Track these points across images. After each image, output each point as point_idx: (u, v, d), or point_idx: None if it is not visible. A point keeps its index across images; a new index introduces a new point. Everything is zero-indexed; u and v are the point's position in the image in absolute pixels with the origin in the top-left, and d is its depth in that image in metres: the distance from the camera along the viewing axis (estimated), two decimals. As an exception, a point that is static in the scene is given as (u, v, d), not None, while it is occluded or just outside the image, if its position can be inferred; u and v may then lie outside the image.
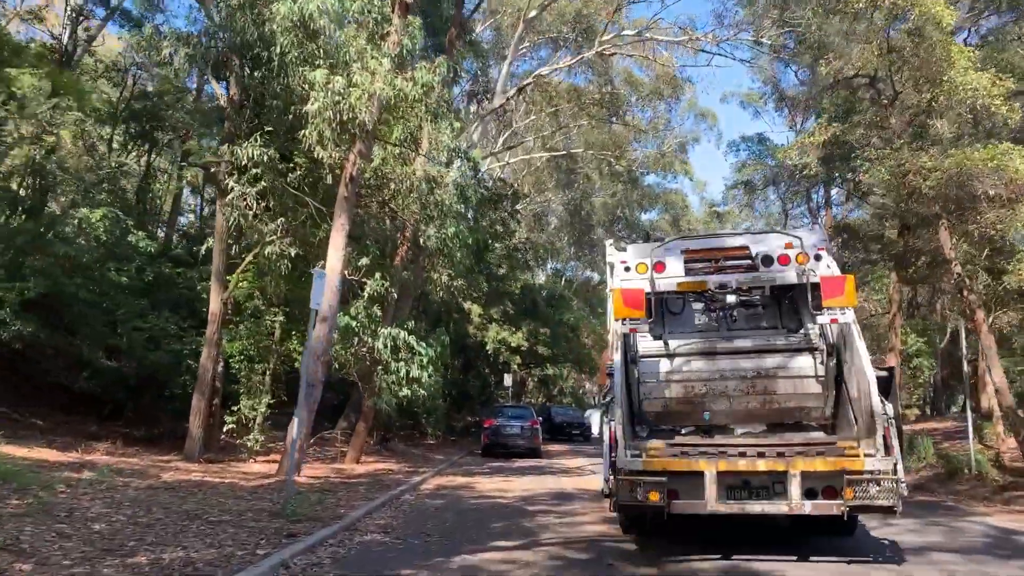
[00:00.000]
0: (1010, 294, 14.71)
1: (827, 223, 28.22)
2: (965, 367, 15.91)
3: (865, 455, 7.33)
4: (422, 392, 16.69)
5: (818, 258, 8.91)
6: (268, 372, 18.98)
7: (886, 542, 9.19)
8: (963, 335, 15.24)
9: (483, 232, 25.50)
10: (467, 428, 31.65)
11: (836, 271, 8.83)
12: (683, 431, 9.16)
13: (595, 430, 44.21)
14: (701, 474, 7.45)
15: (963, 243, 14.95)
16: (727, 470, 7.47)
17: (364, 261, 15.09)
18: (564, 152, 39.11)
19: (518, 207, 33.95)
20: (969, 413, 15.42)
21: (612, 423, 7.95)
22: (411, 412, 28.42)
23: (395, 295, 21.69)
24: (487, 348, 30.60)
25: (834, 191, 27.85)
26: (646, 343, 9.27)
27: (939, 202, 13.92)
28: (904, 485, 7.30)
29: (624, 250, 9.92)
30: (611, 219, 50.95)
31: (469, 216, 26.86)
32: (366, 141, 14.47)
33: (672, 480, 7.47)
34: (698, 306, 9.99)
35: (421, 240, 16.27)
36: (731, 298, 9.43)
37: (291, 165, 14.92)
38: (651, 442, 8.08)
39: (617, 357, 8.52)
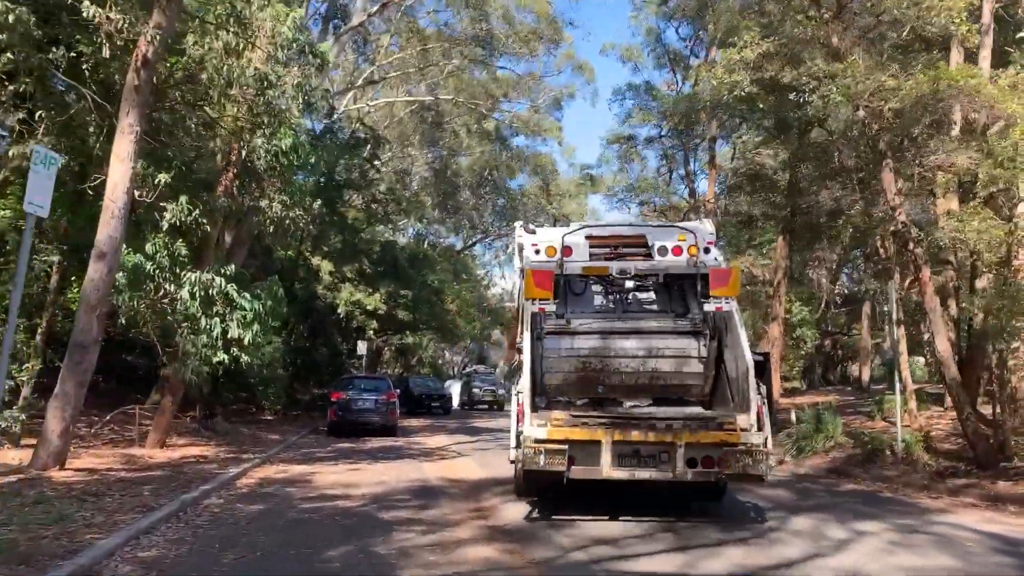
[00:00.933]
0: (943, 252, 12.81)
1: (712, 179, 26.40)
2: (896, 333, 14.13)
3: (741, 430, 8.14)
4: (245, 358, 12.92)
5: (707, 251, 9.76)
6: (41, 330, 14.49)
7: (750, 505, 10.10)
8: (892, 295, 13.29)
9: (334, 154, 21.55)
10: (314, 402, 27.77)
11: (723, 263, 9.76)
12: (578, 403, 9.80)
13: (456, 402, 41.37)
14: (598, 443, 8.15)
15: (907, 186, 13.01)
16: (621, 440, 8.18)
17: (164, 178, 11.03)
18: (432, 98, 35.41)
19: (379, 154, 30.12)
20: (898, 386, 13.54)
21: (520, 395, 8.54)
22: (245, 384, 24.32)
23: (227, 240, 17.60)
24: (339, 311, 26.75)
25: (725, 146, 26.05)
26: (550, 321, 9.76)
27: (884, 136, 11.81)
28: (773, 457, 8.62)
29: (534, 233, 10.54)
30: (479, 181, 47.88)
31: (313, 130, 22.95)
32: (168, 10, 10.44)
33: (572, 448, 8.14)
34: (597, 289, 10.72)
35: (244, 152, 12.36)
36: (629, 283, 10.34)
37: (57, 36, 10.63)
38: (555, 413, 8.67)
39: (527, 334, 9.03)
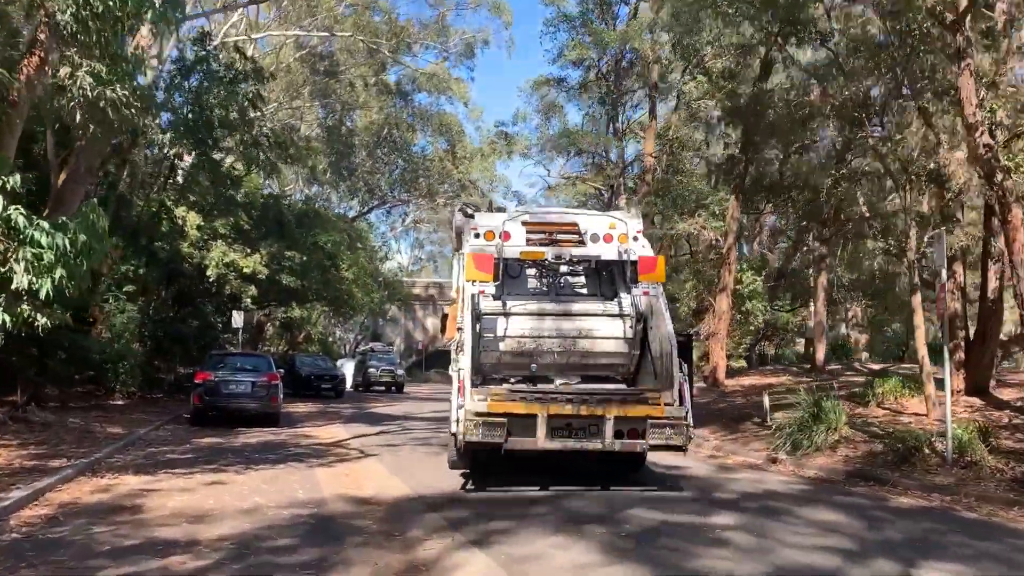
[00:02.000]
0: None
1: (652, 131, 23.32)
2: (954, 302, 11.33)
3: (665, 404, 8.85)
4: (43, 320, 8.56)
5: (636, 239, 10.20)
6: None
7: (669, 474, 10.74)
8: (941, 251, 10.26)
9: (203, 84, 16.92)
10: (179, 383, 23.00)
11: (650, 252, 10.34)
12: (512, 380, 10.23)
13: (349, 383, 37.03)
14: (535, 416, 8.61)
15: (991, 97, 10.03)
16: (556, 413, 8.71)
17: None
18: (326, 34, 30.70)
19: (263, 94, 25.31)
20: (948, 365, 10.61)
21: (461, 372, 8.95)
22: (87, 360, 19.41)
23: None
24: (208, 275, 22.02)
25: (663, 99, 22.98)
26: (487, 302, 10.26)
27: (965, 27, 8.84)
28: (691, 429, 9.01)
29: (472, 216, 10.76)
30: (376, 141, 43.21)
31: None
32: None
33: (510, 421, 8.58)
34: (531, 272, 11.22)
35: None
36: (563, 268, 11.00)
37: None
38: (494, 388, 9.26)
39: (467, 315, 9.40)
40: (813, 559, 6.13)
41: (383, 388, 37.39)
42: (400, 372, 37.84)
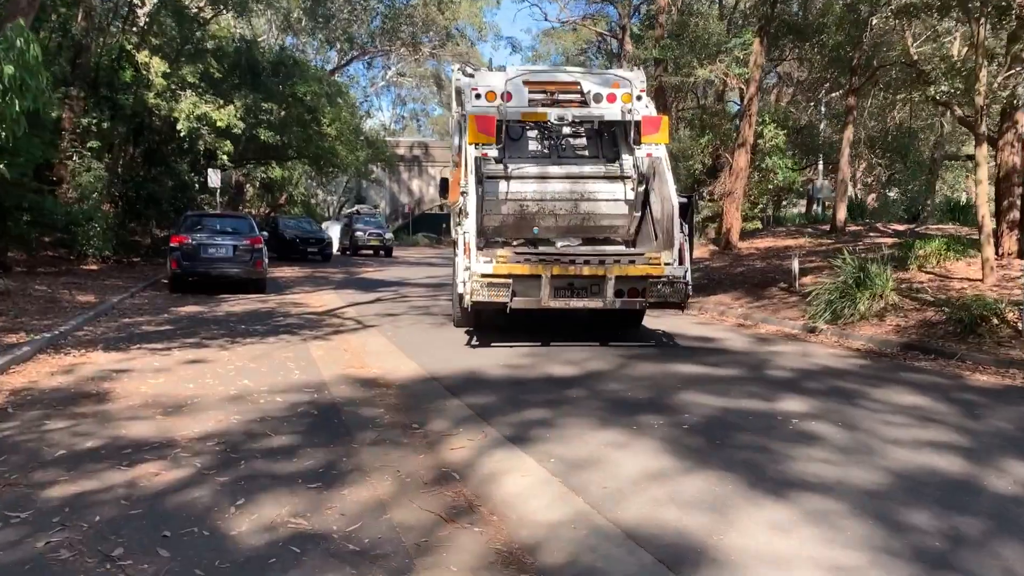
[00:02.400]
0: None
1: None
2: (1014, 155, 9.94)
3: (664, 264, 8.92)
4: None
5: (639, 99, 9.95)
6: None
7: (660, 331, 11.03)
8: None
9: None
10: (156, 247, 21.55)
11: (653, 111, 10.10)
12: (515, 243, 10.37)
13: (336, 246, 35.70)
14: (539, 277, 8.80)
15: None
16: (559, 274, 8.88)
17: None
18: None
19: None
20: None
21: (466, 235, 8.90)
22: (53, 222, 17.86)
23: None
24: (180, 130, 20.02)
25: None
26: (489, 166, 10.06)
27: None
28: (690, 287, 9.05)
29: (472, 76, 10.75)
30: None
31: None
32: None
33: (515, 282, 8.77)
34: (532, 134, 10.94)
35: None
36: (566, 129, 10.71)
37: None
38: (499, 251, 9.23)
39: (471, 178, 9.32)
40: (930, 461, 5.04)
41: (371, 252, 36.14)
42: (388, 235, 36.45)
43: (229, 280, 16.08)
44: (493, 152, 9.70)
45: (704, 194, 21.04)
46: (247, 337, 10.20)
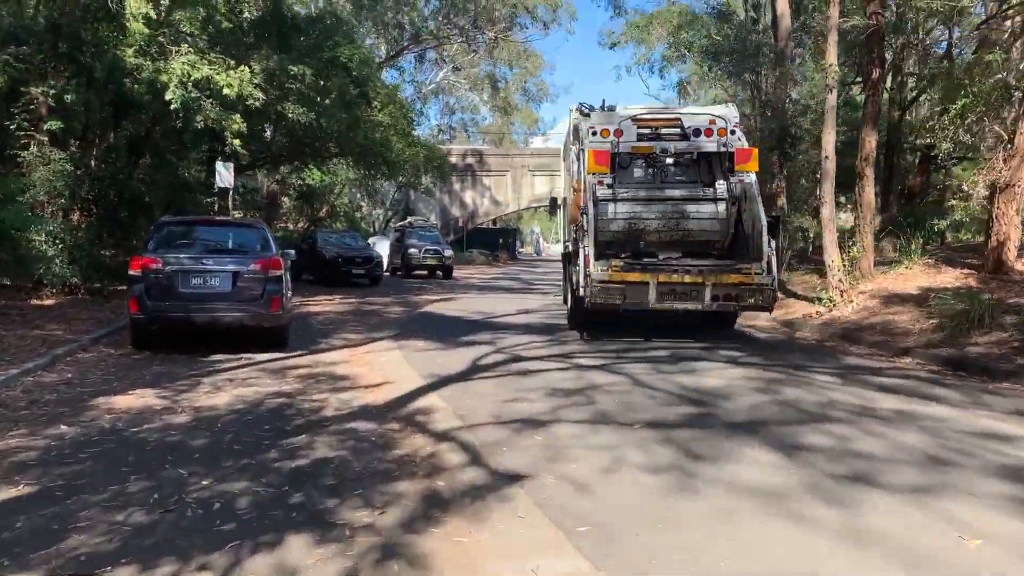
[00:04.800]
0: None
1: None
2: None
3: (755, 273, 10.34)
4: None
5: (733, 132, 11.74)
6: None
7: (745, 331, 12.57)
8: None
9: None
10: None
11: (745, 144, 11.93)
12: (623, 255, 11.59)
13: (386, 265, 29.33)
14: (647, 283, 10.34)
15: None
16: (664, 281, 10.36)
17: None
18: None
19: None
20: None
21: (585, 248, 10.56)
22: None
23: None
24: (171, 100, 13.60)
25: None
26: (602, 190, 11.81)
27: None
28: (776, 292, 10.68)
29: (588, 116, 12.30)
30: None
31: None
32: None
33: (627, 287, 10.38)
34: (639, 162, 12.44)
35: None
36: (668, 159, 12.23)
37: None
38: (613, 261, 10.78)
39: (590, 202, 11.04)
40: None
41: (426, 272, 29.71)
42: (448, 253, 30.01)
43: (224, 324, 9.56)
44: (607, 179, 11.77)
45: (955, 187, 14.34)
46: (229, 518, 3.59)
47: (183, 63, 13.53)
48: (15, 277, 14.49)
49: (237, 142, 14.38)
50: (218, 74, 13.76)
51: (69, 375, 8.13)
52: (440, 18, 36.04)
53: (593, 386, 7.70)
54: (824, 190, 13.15)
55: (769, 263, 10.30)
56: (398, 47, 37.33)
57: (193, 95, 13.50)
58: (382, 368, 8.94)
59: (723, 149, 11.66)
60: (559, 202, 17.21)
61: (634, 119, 11.96)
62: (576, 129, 12.60)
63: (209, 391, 7.33)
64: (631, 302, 10.44)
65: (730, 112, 12.20)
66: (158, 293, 9.36)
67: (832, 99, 12.96)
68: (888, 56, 16.81)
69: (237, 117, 13.78)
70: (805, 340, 11.88)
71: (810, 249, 19.44)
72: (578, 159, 12.12)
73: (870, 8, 13.93)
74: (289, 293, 10.83)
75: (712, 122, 11.77)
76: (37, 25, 14.90)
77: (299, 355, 9.76)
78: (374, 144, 19.39)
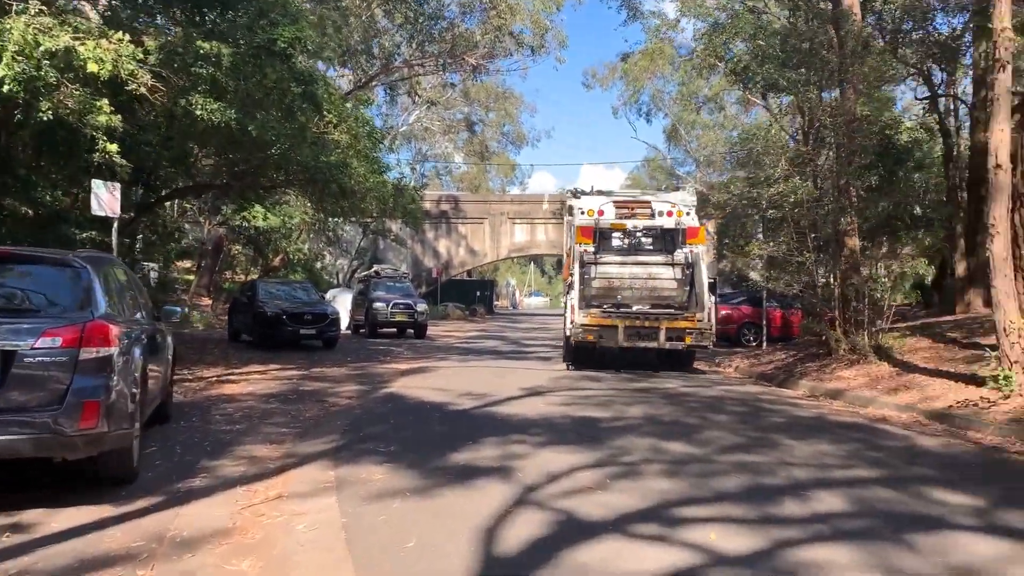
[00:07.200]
0: None
1: None
2: None
3: (698, 319, 13.91)
4: None
5: (688, 214, 14.94)
6: None
7: (703, 370, 15.66)
8: None
9: None
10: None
11: (696, 223, 15.10)
12: (603, 306, 14.92)
13: (345, 323, 24.38)
14: (616, 326, 13.79)
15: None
16: (629, 325, 13.85)
17: None
18: None
19: None
20: None
21: (571, 301, 14.40)
22: None
23: None
24: (7, 90, 8.93)
25: None
26: (587, 256, 15.08)
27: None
28: (713, 335, 14.64)
29: (579, 198, 15.44)
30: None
31: None
32: None
33: (601, 329, 13.86)
34: (616, 235, 15.75)
35: None
36: (640, 233, 15.75)
37: None
38: (592, 310, 14.35)
39: (576, 266, 14.67)
40: None
41: (394, 330, 24.92)
42: (422, 307, 25.22)
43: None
44: (591, 248, 14.94)
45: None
46: None
47: (23, 28, 8.87)
48: None
49: (112, 148, 9.65)
50: (81, 46, 9.12)
51: None
52: (414, 46, 31.90)
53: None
54: (995, 214, 8.76)
55: (709, 312, 14.27)
56: (366, 75, 33.01)
57: (33, 74, 8.82)
58: (293, 559, 4.17)
59: (678, 227, 14.94)
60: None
61: (615, 202, 15.31)
62: (570, 209, 15.85)
63: None
64: (604, 341, 13.79)
65: (686, 196, 15.63)
66: None
67: (1005, 79, 8.65)
68: None
69: (104, 103, 9.08)
70: (1007, 450, 7.30)
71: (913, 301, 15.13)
72: (569, 230, 15.72)
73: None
74: (152, 383, 6.04)
75: (673, 206, 14.98)
76: None
77: (138, 511, 4.96)
78: (326, 167, 14.77)
